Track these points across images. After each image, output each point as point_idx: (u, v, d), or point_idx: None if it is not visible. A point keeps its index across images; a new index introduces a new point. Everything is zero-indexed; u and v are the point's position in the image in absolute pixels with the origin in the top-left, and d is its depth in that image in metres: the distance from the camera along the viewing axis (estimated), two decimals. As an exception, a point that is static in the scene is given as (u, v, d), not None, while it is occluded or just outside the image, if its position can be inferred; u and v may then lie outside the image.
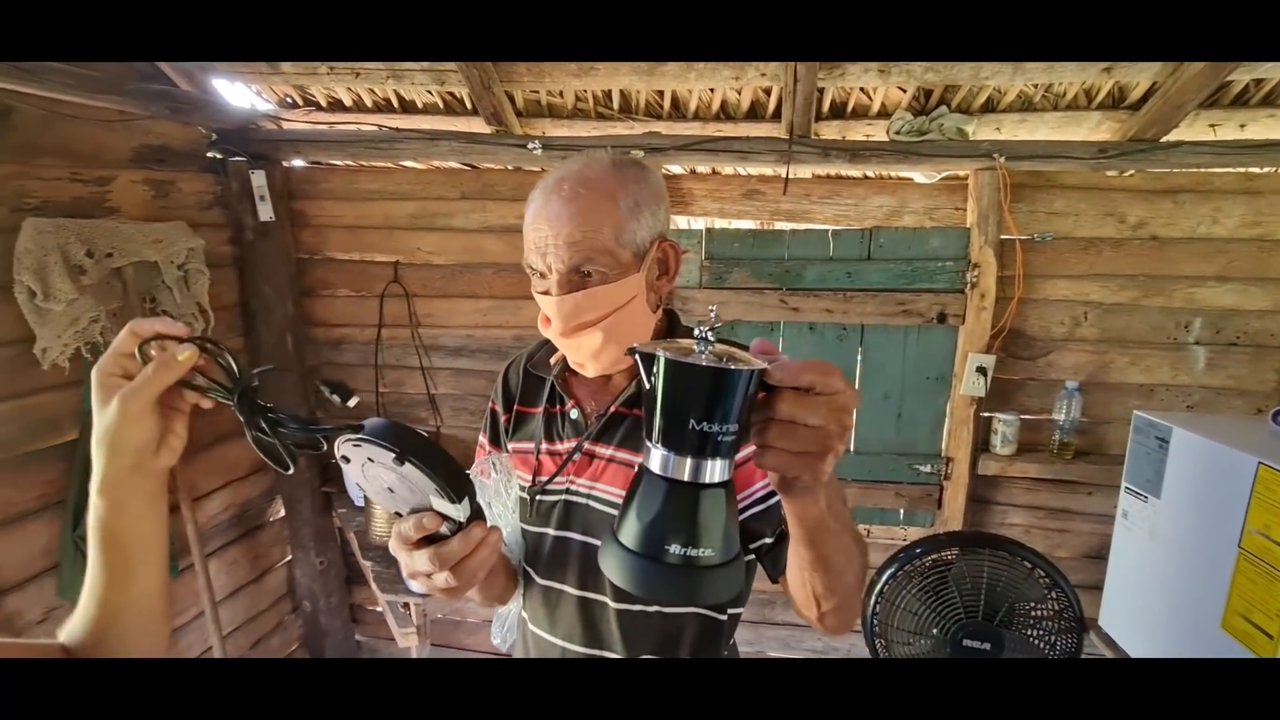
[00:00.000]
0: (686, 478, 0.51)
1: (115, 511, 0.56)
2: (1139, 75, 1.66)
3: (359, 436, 0.57)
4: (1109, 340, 1.97)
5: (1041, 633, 1.60)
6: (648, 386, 0.52)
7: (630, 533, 0.53)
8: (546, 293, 0.80)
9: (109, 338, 1.66)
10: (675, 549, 0.51)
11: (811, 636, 2.34)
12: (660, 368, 0.50)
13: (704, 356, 0.50)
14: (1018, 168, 1.83)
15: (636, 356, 0.52)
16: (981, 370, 1.93)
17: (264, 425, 0.57)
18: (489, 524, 0.64)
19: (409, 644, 1.79)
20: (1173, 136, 1.76)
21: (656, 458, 0.52)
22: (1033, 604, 1.60)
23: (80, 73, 1.52)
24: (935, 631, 1.62)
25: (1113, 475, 1.96)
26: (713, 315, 0.55)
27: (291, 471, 0.59)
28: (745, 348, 0.54)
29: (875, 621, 1.67)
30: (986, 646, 1.58)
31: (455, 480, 0.61)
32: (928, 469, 2.08)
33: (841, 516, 0.63)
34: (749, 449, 0.53)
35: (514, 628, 1.06)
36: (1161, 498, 1.47)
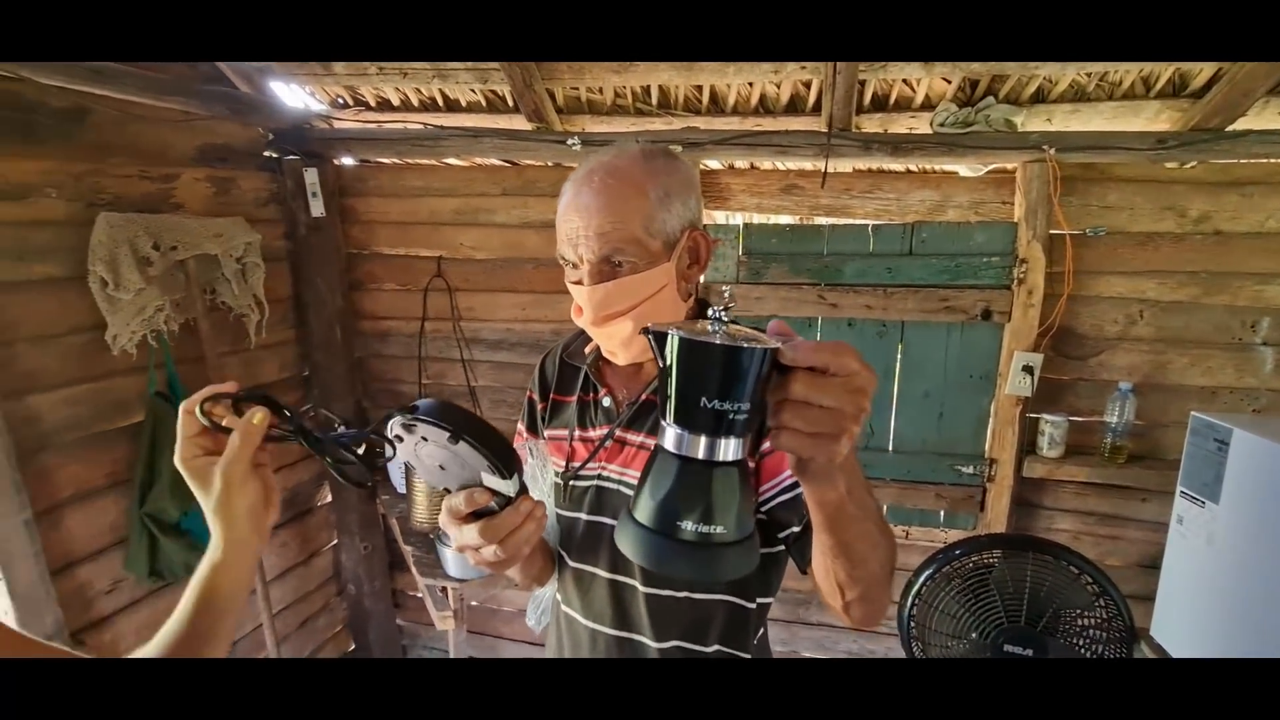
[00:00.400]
0: (700, 455, 0.52)
1: (225, 574, 0.60)
2: (1201, 61, 1.59)
3: (413, 417, 0.60)
4: (1166, 340, 1.88)
5: (1088, 641, 1.54)
6: (661, 366, 0.53)
7: (645, 510, 0.54)
8: (578, 282, 0.82)
9: (172, 326, 1.76)
10: (688, 525, 0.52)
11: (847, 638, 2.31)
12: (673, 346, 0.51)
13: (717, 336, 0.51)
14: (1069, 160, 1.77)
15: (650, 336, 0.53)
16: (1028, 369, 1.87)
17: (331, 455, 0.61)
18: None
19: (446, 628, 1.84)
20: (1239, 125, 1.67)
21: (670, 436, 0.53)
22: (1079, 611, 1.54)
23: (150, 76, 1.62)
24: (974, 635, 1.58)
25: (1169, 481, 1.87)
26: (727, 295, 0.56)
27: (370, 485, 0.62)
28: (763, 332, 0.55)
29: (912, 623, 1.64)
30: (1029, 653, 1.53)
31: (506, 456, 0.64)
32: (970, 470, 2.03)
33: (864, 503, 0.62)
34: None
35: (548, 610, 1.08)
36: (1220, 503, 1.40)
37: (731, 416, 0.51)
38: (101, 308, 1.61)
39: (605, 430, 0.91)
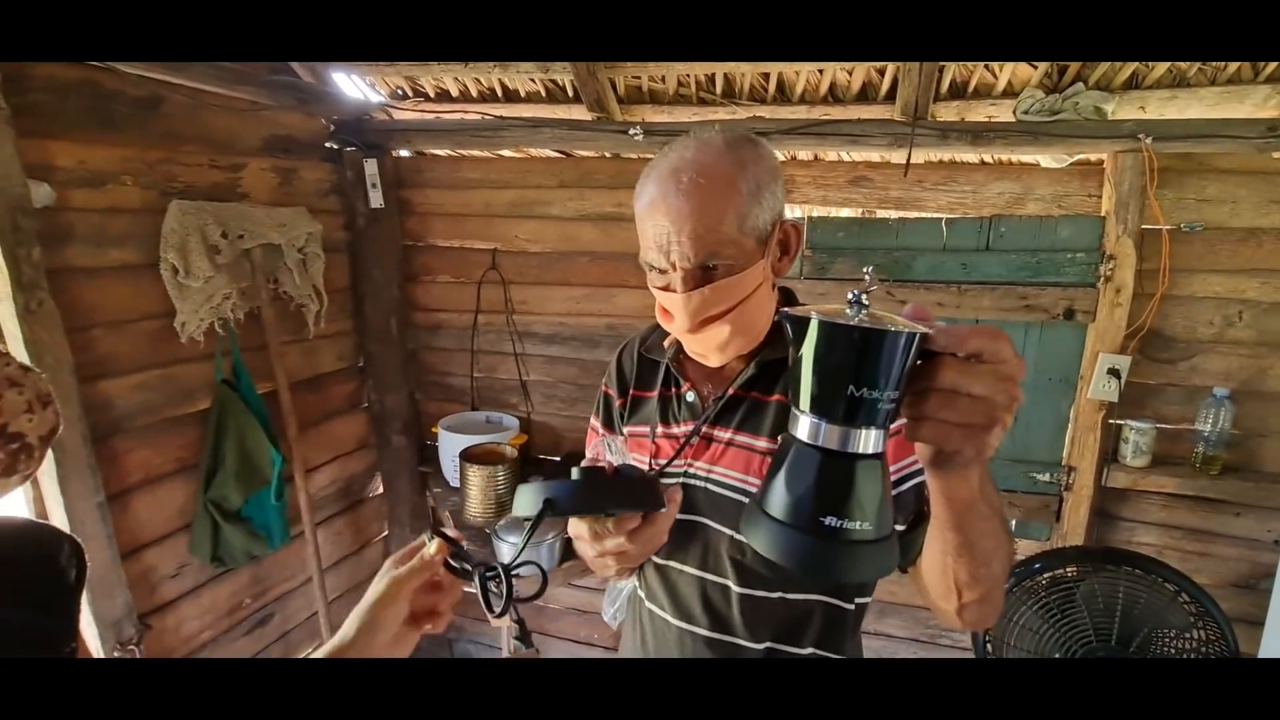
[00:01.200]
0: (836, 446, 0.49)
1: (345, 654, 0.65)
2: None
3: (562, 517, 0.68)
4: (1268, 344, 1.75)
5: (1185, 664, 1.44)
6: (797, 352, 0.50)
7: (779, 503, 0.51)
8: (667, 288, 0.78)
9: (238, 314, 1.77)
10: (830, 521, 0.49)
11: (905, 648, 2.22)
12: (814, 330, 0.48)
13: (857, 319, 0.47)
14: (1165, 150, 1.65)
15: (786, 322, 0.50)
16: (1114, 372, 1.76)
17: (492, 585, 0.66)
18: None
19: (500, 624, 1.81)
20: (1361, 112, 1.54)
21: (806, 425, 0.50)
22: (1175, 632, 1.44)
23: (221, 65, 1.63)
24: (1058, 654, 1.49)
25: (1268, 495, 1.76)
26: (868, 277, 0.52)
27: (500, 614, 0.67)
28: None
29: (989, 638, 1.56)
30: (1119, 674, 1.44)
31: (655, 498, 0.69)
32: (1046, 478, 1.92)
33: (992, 499, 0.59)
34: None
35: (624, 607, 1.05)
36: (1347, 521, 1.29)
37: (878, 405, 0.48)
38: (171, 294, 1.63)
39: (689, 426, 0.88)
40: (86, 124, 1.47)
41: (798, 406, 0.51)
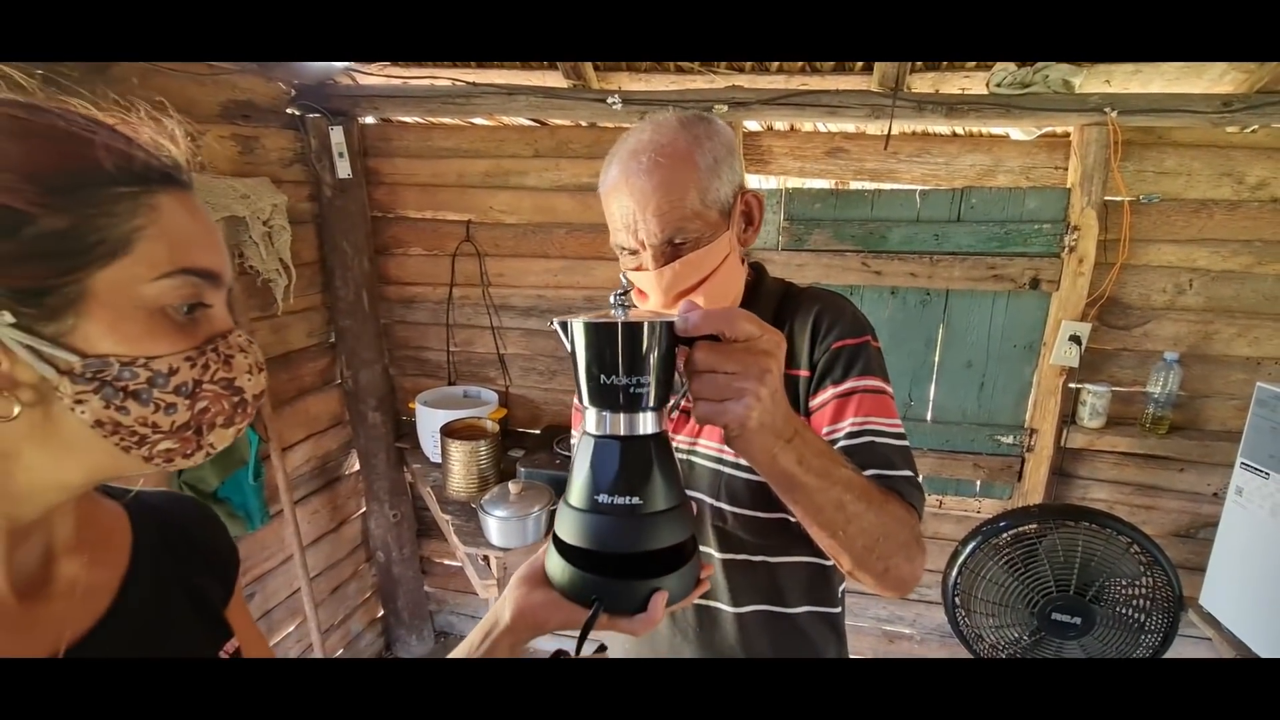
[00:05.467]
0: (605, 431, 0.55)
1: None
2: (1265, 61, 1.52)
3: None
4: (1215, 310, 1.86)
5: (1135, 610, 1.55)
6: (570, 352, 0.55)
7: (570, 488, 0.57)
8: (640, 269, 0.79)
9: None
10: (602, 498, 0.54)
11: (876, 603, 2.33)
12: (573, 332, 0.54)
13: (620, 318, 0.53)
14: (1129, 123, 1.71)
15: (556, 326, 0.56)
16: (1075, 339, 1.85)
17: None
18: None
19: (489, 596, 1.84)
20: (1309, 88, 1.62)
21: (588, 417, 0.56)
22: (1128, 580, 1.55)
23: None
24: (1021, 604, 1.59)
25: (1209, 452, 1.89)
26: (624, 281, 0.59)
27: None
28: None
29: (957, 590, 1.65)
30: (1077, 621, 1.55)
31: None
32: (1009, 440, 2.02)
33: (827, 473, 0.62)
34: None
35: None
36: (1285, 475, 1.40)
37: (632, 390, 0.53)
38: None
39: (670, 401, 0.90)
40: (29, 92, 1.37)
41: (579, 401, 0.57)
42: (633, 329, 0.52)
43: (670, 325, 0.53)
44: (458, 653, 0.61)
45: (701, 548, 0.87)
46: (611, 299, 0.56)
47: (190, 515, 0.62)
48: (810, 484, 0.61)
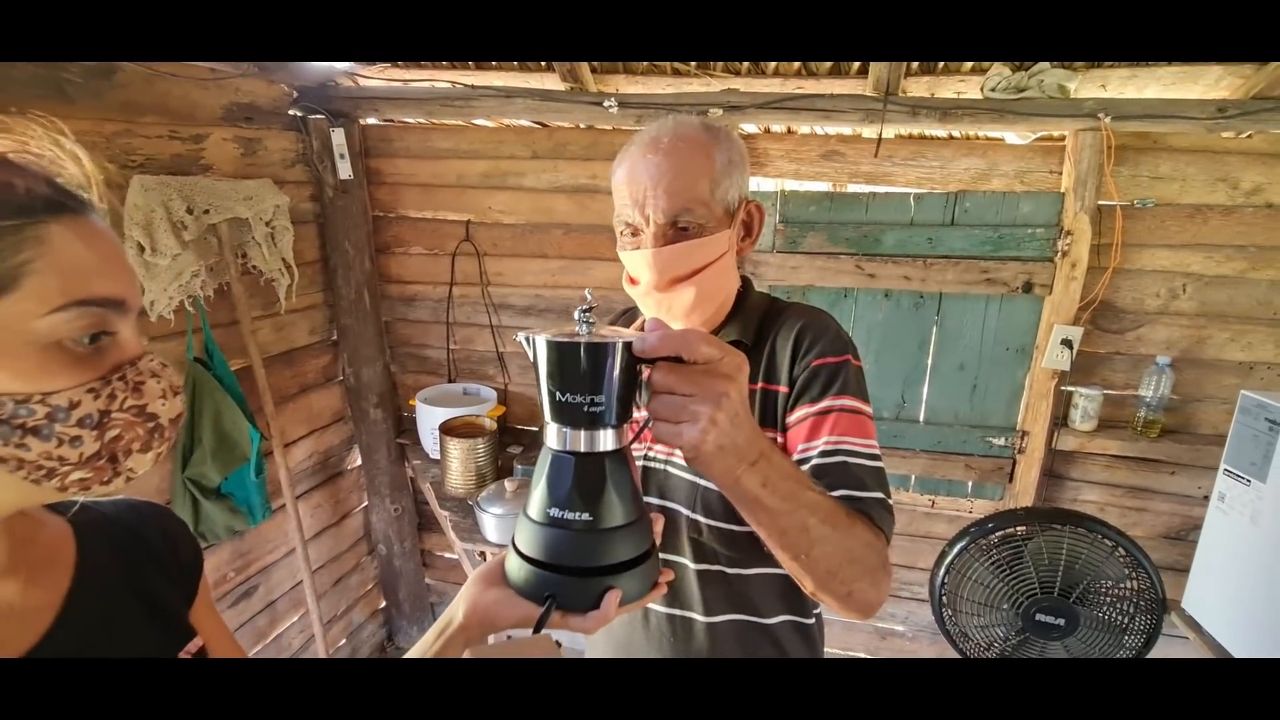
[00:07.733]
0: (564, 446, 0.55)
1: None
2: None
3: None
4: (1208, 314, 1.87)
5: (1118, 613, 1.58)
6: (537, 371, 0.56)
7: (530, 503, 0.58)
8: (639, 248, 0.81)
9: (208, 291, 1.74)
10: (554, 512, 0.55)
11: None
12: (535, 349, 0.54)
13: (584, 336, 0.53)
14: (1123, 128, 1.72)
15: (522, 340, 0.56)
16: (1067, 343, 1.86)
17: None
18: None
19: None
20: (1304, 95, 1.62)
21: (549, 431, 0.57)
22: (1112, 582, 1.57)
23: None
24: (1006, 605, 1.62)
25: (1200, 455, 1.90)
26: (589, 297, 0.58)
27: None
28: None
29: (944, 591, 1.68)
30: (1060, 622, 1.57)
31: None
32: (1001, 442, 2.04)
33: (793, 495, 0.61)
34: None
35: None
36: (1268, 482, 1.41)
37: (589, 410, 0.53)
38: (139, 273, 1.59)
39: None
40: (40, 95, 1.41)
41: (543, 417, 0.57)
42: (593, 349, 0.52)
43: (630, 346, 0.53)
44: (413, 653, 0.60)
45: (676, 558, 0.88)
46: (576, 315, 0.55)
47: (146, 521, 0.60)
48: (775, 506, 0.60)
